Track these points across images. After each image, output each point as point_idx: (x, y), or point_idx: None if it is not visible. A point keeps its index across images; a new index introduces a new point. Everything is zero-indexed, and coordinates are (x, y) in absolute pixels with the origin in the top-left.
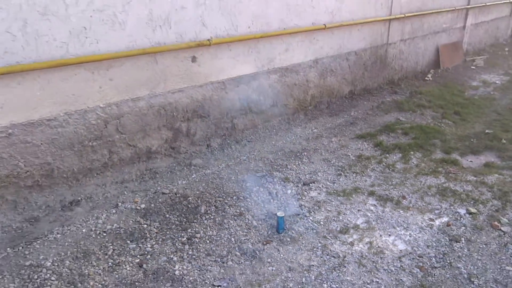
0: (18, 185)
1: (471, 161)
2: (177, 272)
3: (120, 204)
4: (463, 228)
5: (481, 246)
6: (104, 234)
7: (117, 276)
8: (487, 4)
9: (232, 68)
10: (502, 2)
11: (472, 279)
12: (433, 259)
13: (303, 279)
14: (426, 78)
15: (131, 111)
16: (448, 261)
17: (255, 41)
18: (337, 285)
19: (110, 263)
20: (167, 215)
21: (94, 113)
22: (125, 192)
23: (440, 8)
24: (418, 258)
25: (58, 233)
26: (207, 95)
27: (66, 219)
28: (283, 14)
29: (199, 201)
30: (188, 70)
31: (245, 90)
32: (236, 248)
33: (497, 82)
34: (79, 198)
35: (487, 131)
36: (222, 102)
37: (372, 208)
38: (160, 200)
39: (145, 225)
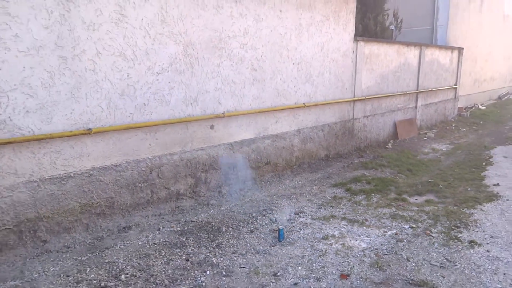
0: (90, 212)
1: (416, 199)
2: (214, 261)
3: (161, 228)
4: (406, 235)
5: (416, 244)
6: (155, 245)
7: (172, 265)
8: (433, 89)
9: (238, 134)
10: (447, 87)
11: (408, 259)
12: (385, 250)
13: (299, 261)
14: (387, 146)
15: (168, 162)
16: (394, 251)
17: (254, 115)
18: (322, 264)
19: (165, 259)
20: (198, 233)
21: (144, 162)
22: (163, 221)
23: (394, 92)
24: (375, 250)
25: (121, 245)
26: (219, 153)
27: (124, 237)
28: (274, 96)
29: (219, 224)
30: (208, 134)
31: (246, 150)
32: (252, 249)
33: (443, 149)
34: (130, 225)
35: (429, 180)
36: (230, 159)
37: (344, 226)
38: (190, 225)
39: (184, 239)
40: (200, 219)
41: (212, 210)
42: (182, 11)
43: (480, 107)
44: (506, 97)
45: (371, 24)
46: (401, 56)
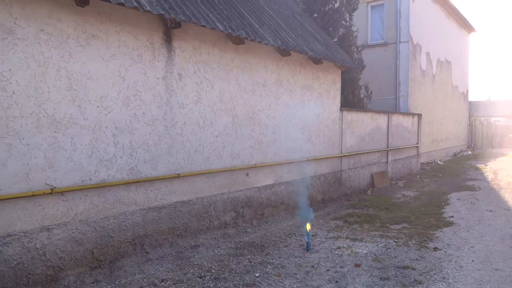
0: (174, 233)
1: (395, 226)
2: (270, 261)
3: (220, 246)
4: (392, 245)
5: (399, 250)
6: (222, 255)
7: (241, 264)
8: (400, 147)
9: (263, 180)
10: (410, 146)
11: (396, 257)
12: (379, 253)
13: (326, 260)
14: (367, 193)
15: (220, 200)
16: (386, 253)
17: (273, 166)
18: (341, 260)
19: (235, 262)
20: (249, 248)
21: (206, 199)
22: (219, 242)
23: (370, 150)
24: (373, 253)
25: (198, 256)
26: (251, 194)
27: (197, 251)
28: (287, 153)
29: (262, 243)
30: (244, 180)
31: (268, 193)
32: (291, 255)
33: (411, 195)
34: (198, 244)
35: (403, 215)
36: (258, 199)
37: (349, 242)
38: (241, 244)
39: (241, 251)
40: (246, 240)
41: (251, 235)
42: (232, 94)
43: (439, 162)
44: (460, 154)
45: (350, 97)
46: (374, 121)
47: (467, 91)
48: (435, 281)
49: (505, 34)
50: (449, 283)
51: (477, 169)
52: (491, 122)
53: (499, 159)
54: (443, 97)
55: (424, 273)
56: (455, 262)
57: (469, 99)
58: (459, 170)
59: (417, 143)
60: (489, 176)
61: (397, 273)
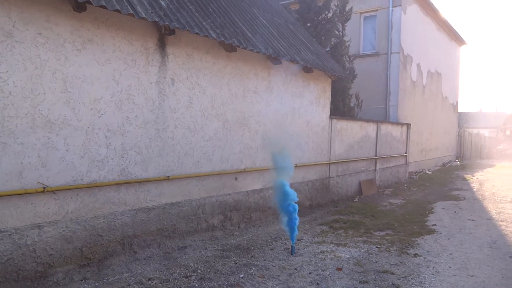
0: (162, 234)
1: (379, 233)
2: (254, 263)
3: (207, 248)
4: (374, 251)
5: (381, 255)
6: (209, 256)
7: (227, 266)
8: (388, 156)
9: (252, 184)
10: (399, 155)
11: (376, 262)
12: (361, 258)
13: (309, 263)
14: (354, 200)
15: (209, 203)
16: (367, 258)
17: (262, 171)
18: (324, 264)
19: (220, 263)
20: (235, 250)
21: (195, 202)
22: (206, 244)
23: (358, 158)
24: (355, 258)
25: (186, 257)
26: (240, 198)
27: (184, 253)
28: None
29: (248, 245)
30: (233, 184)
31: (257, 197)
32: (276, 258)
33: (398, 203)
34: (185, 245)
35: (388, 222)
36: (246, 203)
37: (333, 246)
38: (227, 246)
39: (227, 253)
40: (233, 243)
41: (238, 238)
42: (223, 99)
43: (427, 172)
44: (449, 164)
45: (340, 105)
46: (363, 130)
47: (457, 102)
48: (412, 285)
49: (496, 48)
50: (425, 287)
51: (464, 179)
52: (480, 134)
53: (486, 170)
54: (433, 107)
55: (402, 277)
56: (433, 268)
57: (461, 111)
58: (447, 180)
59: (405, 152)
60: (475, 186)
61: (377, 277)
